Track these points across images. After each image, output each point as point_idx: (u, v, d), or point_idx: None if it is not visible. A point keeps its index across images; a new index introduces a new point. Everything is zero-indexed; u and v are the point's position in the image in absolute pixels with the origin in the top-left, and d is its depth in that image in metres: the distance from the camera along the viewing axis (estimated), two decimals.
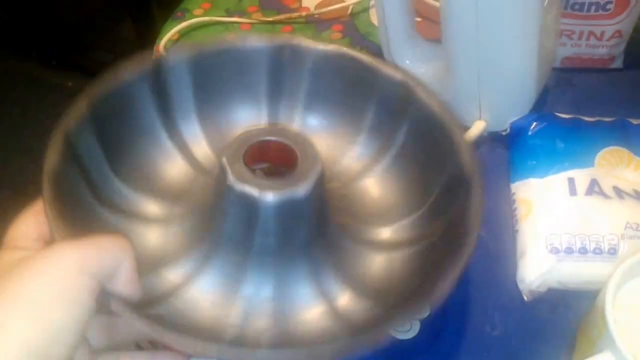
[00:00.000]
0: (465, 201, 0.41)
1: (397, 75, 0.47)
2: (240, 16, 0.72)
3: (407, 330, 0.45)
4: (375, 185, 0.49)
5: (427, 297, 0.37)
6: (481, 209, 0.40)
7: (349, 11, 0.72)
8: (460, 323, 0.46)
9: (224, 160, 0.40)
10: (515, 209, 0.50)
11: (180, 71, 0.48)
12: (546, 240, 0.46)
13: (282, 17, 0.71)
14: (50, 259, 0.29)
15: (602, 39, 0.58)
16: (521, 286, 0.47)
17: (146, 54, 0.47)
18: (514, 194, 0.50)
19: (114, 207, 0.44)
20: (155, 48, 0.70)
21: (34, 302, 0.27)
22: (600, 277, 0.45)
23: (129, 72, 0.45)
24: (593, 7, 0.55)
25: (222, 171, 0.40)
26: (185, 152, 0.49)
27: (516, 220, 0.49)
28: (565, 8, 0.56)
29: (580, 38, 0.58)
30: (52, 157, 0.38)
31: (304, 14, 0.71)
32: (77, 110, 0.42)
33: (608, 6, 0.55)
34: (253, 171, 0.40)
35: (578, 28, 0.57)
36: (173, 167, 0.49)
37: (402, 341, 0.45)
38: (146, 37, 0.84)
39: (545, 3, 0.49)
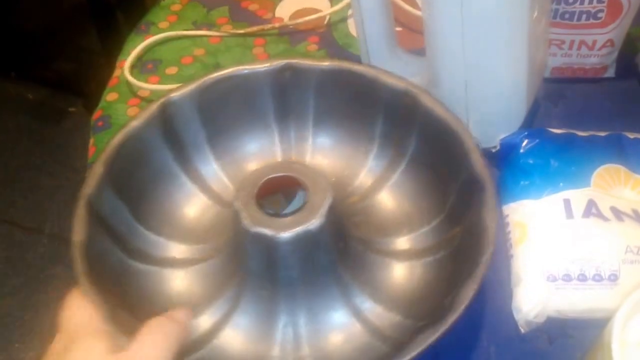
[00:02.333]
0: (480, 203, 0.43)
1: (400, 85, 0.49)
2: (208, 29, 0.70)
3: None
4: (391, 196, 0.51)
5: (454, 305, 0.38)
6: (495, 209, 0.42)
7: (326, 22, 0.70)
8: (453, 359, 0.45)
9: (237, 204, 0.43)
10: (509, 233, 0.48)
11: (186, 110, 0.50)
12: (542, 266, 0.45)
13: (254, 29, 0.69)
14: None
15: (593, 49, 0.57)
16: (517, 316, 0.45)
17: (151, 103, 0.50)
18: (507, 216, 0.49)
19: (143, 256, 0.47)
20: (119, 64, 0.67)
21: None
22: (601, 305, 0.44)
23: (137, 122, 0.48)
24: (584, 16, 0.54)
25: (237, 215, 0.43)
26: (205, 188, 0.52)
27: (510, 245, 0.48)
28: (555, 17, 0.55)
29: (570, 48, 0.57)
30: (78, 228, 0.42)
31: (277, 25, 0.69)
32: (94, 173, 0.45)
33: (599, 15, 0.54)
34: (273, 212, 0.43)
35: (568, 37, 0.56)
36: (196, 206, 0.52)
37: None
38: (111, 47, 0.82)
39: (535, 14, 0.48)
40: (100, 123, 0.63)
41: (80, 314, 0.37)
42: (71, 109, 1.65)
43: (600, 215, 0.46)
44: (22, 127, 1.61)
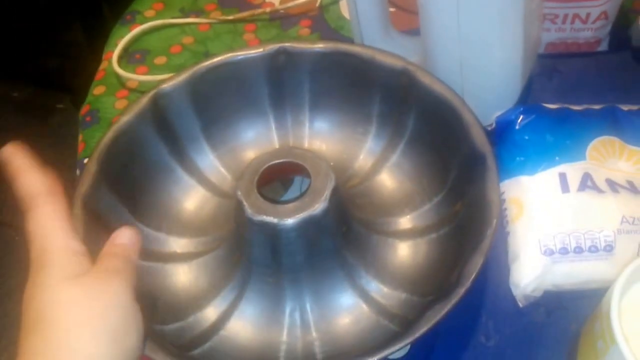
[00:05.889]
0: (482, 176, 0.44)
1: (397, 63, 0.50)
2: (197, 16, 0.71)
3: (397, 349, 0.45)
4: (392, 176, 0.53)
5: (461, 279, 0.40)
6: (498, 182, 0.44)
7: (318, 4, 0.72)
8: (452, 336, 0.47)
9: (239, 193, 0.44)
10: (505, 210, 0.50)
11: (179, 101, 0.51)
12: (539, 241, 0.47)
13: (244, 14, 0.70)
14: (108, 296, 0.36)
15: (587, 22, 0.59)
16: (515, 292, 0.47)
17: (141, 96, 0.50)
18: (503, 193, 0.51)
19: (145, 253, 0.47)
20: (105, 56, 0.69)
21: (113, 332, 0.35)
22: (598, 276, 0.46)
23: (128, 117, 0.49)
24: None
25: (239, 204, 0.44)
26: (203, 180, 0.53)
27: (507, 222, 0.50)
28: None
29: (564, 22, 0.59)
30: (76, 228, 0.41)
31: (268, 10, 0.71)
32: (89, 171, 0.46)
33: None
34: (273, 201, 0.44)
35: (562, 11, 0.58)
36: (195, 199, 0.53)
37: None
38: (97, 39, 0.84)
39: None
40: (88, 118, 0.64)
41: (51, 233, 0.38)
42: (59, 106, 1.66)
43: (595, 188, 0.48)
44: (9, 127, 1.62)
